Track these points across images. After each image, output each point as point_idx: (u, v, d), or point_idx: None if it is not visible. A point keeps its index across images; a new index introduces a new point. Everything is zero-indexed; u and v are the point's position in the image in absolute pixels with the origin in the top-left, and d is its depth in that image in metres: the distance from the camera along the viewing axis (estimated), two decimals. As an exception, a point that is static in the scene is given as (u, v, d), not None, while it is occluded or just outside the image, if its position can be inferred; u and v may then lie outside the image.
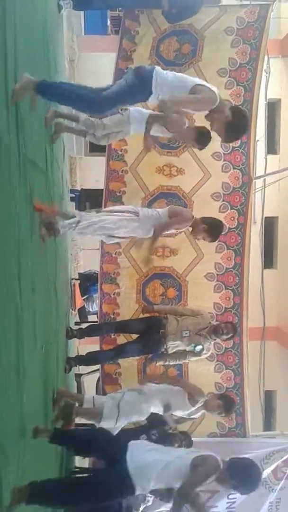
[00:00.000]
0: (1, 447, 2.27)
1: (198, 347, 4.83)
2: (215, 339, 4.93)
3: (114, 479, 3.14)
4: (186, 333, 4.83)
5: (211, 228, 4.43)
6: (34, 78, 3.06)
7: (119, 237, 4.36)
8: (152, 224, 4.27)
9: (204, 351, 4.90)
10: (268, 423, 9.53)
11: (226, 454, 5.20)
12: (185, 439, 4.77)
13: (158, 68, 3.57)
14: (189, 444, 4.73)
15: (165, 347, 4.89)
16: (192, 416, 4.62)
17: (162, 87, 3.50)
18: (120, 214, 4.21)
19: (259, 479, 3.28)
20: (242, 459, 3.35)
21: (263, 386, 8.95)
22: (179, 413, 4.57)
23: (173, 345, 4.88)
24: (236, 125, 3.69)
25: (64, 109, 4.52)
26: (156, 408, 4.44)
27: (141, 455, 3.19)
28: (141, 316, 5.30)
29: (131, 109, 4.36)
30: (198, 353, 4.89)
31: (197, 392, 4.47)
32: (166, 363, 5.15)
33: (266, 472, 5.41)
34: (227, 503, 5.31)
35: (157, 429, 4.74)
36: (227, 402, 4.53)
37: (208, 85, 3.58)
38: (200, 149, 4.32)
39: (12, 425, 2.54)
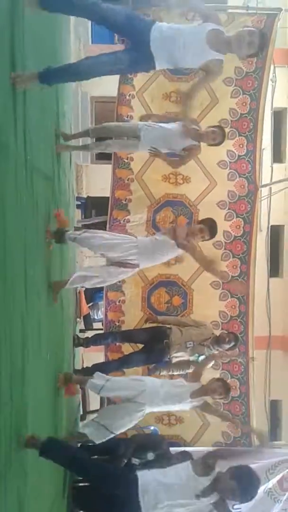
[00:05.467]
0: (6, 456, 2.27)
1: (202, 357, 4.83)
2: (217, 350, 4.91)
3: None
4: (190, 344, 4.84)
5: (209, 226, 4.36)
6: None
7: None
8: (153, 252, 4.24)
9: None
10: (274, 433, 9.44)
11: (230, 463, 5.23)
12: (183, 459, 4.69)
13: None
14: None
15: (169, 356, 4.88)
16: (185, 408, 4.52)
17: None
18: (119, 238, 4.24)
19: (258, 487, 3.27)
20: (243, 467, 3.32)
21: (268, 395, 8.87)
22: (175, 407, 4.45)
23: (177, 356, 4.88)
24: None
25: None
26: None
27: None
28: (145, 326, 5.29)
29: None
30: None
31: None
32: (170, 372, 5.12)
33: (271, 483, 5.34)
34: (232, 513, 5.25)
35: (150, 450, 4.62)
36: (225, 383, 4.44)
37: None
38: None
39: (16, 433, 2.54)
